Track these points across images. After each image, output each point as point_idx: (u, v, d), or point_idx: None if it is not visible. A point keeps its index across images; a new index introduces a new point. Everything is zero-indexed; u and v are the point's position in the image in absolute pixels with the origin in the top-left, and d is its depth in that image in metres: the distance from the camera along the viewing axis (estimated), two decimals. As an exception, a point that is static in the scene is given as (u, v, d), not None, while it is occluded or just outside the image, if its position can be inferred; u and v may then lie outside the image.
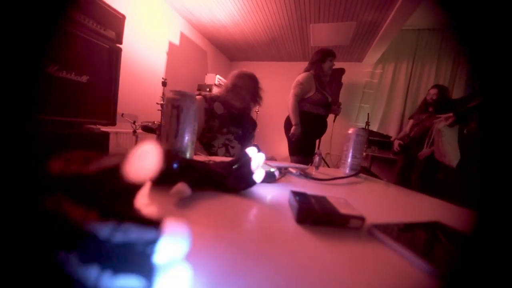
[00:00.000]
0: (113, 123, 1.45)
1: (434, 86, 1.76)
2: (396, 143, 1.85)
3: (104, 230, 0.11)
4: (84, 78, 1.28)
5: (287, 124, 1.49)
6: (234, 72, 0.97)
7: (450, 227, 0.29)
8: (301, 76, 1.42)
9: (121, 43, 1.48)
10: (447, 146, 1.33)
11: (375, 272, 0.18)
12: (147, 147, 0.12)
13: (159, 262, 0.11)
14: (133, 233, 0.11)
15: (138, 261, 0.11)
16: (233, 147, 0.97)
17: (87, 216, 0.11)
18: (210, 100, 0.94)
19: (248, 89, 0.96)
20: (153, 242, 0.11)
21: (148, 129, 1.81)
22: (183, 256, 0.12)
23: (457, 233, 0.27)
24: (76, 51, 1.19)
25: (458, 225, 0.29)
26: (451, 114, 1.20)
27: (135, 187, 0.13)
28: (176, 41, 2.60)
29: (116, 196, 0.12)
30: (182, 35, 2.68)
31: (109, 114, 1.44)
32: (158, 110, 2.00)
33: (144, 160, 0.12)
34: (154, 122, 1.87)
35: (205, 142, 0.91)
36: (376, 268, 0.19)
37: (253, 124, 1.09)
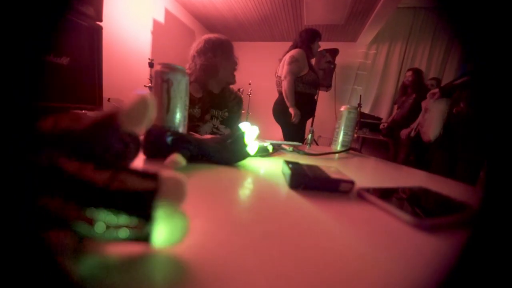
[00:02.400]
0: (99, 107, 1.39)
1: (409, 69, 1.96)
2: (382, 125, 2.08)
3: (100, 179, 0.11)
4: (64, 60, 1.19)
5: (278, 108, 1.40)
6: (200, 43, 0.75)
7: (433, 191, 0.31)
8: (295, 52, 1.30)
9: (101, 20, 1.36)
10: (428, 124, 1.40)
11: (362, 225, 0.20)
12: (139, 98, 0.11)
13: (156, 210, 0.11)
14: (130, 182, 0.11)
15: (136, 208, 0.11)
16: (222, 134, 0.80)
17: (83, 167, 0.11)
18: None
19: (225, 62, 0.76)
20: (150, 191, 0.11)
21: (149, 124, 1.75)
22: (181, 206, 0.12)
23: (439, 195, 0.29)
24: (51, 28, 1.09)
25: (444, 192, 0.31)
26: (437, 90, 1.26)
27: (130, 139, 0.13)
28: (161, 18, 2.42)
29: (110, 149, 0.12)
30: (167, 12, 2.49)
31: (95, 98, 1.37)
32: (147, 93, 1.92)
33: (137, 109, 0.11)
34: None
35: (192, 129, 0.74)
36: (363, 223, 0.20)
37: (238, 102, 0.89)
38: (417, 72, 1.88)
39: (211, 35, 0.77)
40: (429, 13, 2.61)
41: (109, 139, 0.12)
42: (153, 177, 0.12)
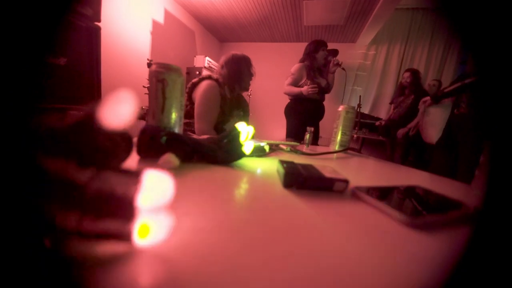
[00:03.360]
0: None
1: (407, 70, 1.99)
2: (378, 122, 2.13)
3: (82, 177, 0.11)
4: (62, 61, 1.19)
5: (286, 110, 1.59)
6: (229, 56, 0.99)
7: (428, 189, 0.30)
8: (293, 67, 1.53)
9: (99, 21, 1.36)
10: (429, 126, 1.45)
11: (356, 224, 0.19)
12: (120, 94, 0.11)
13: (139, 210, 0.11)
14: (113, 181, 0.11)
15: (118, 207, 0.11)
16: None
17: (65, 166, 0.11)
18: (222, 85, 0.95)
19: (246, 73, 0.99)
20: (133, 189, 0.11)
21: (137, 114, 1.75)
22: (165, 204, 0.12)
23: (434, 193, 0.29)
24: (49, 29, 1.09)
25: (439, 191, 0.31)
26: (428, 98, 1.40)
27: (113, 136, 0.12)
28: (161, 19, 2.43)
29: (95, 147, 0.12)
30: (167, 13, 2.49)
31: (93, 99, 1.37)
32: (146, 94, 1.92)
33: (118, 106, 0.11)
34: (142, 107, 1.80)
35: (218, 127, 0.95)
36: (357, 222, 0.20)
37: (247, 104, 1.15)
38: (414, 73, 1.91)
39: (237, 52, 1.02)
40: (427, 14, 2.62)
41: (93, 136, 0.12)
42: (136, 175, 0.12)
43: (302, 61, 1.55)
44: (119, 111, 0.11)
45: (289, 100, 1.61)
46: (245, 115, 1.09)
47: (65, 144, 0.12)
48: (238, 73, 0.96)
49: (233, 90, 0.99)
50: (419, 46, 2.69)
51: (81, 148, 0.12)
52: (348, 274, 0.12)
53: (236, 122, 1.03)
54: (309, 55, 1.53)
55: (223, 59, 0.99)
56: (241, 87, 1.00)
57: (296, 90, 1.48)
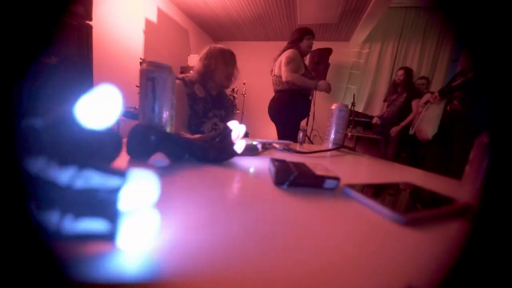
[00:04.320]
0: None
1: (401, 68, 1.99)
2: (374, 120, 2.12)
3: (63, 176, 0.11)
4: (53, 60, 1.16)
5: (274, 107, 1.42)
6: (205, 50, 0.90)
7: (418, 186, 0.31)
8: (290, 52, 1.32)
9: (91, 19, 1.33)
10: (425, 122, 1.47)
11: (346, 221, 0.20)
12: (101, 88, 0.11)
13: (123, 208, 0.11)
14: (95, 180, 0.11)
15: (101, 206, 0.11)
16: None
17: (46, 165, 0.11)
18: (190, 84, 0.88)
19: (222, 68, 0.89)
20: (116, 188, 0.11)
21: (130, 115, 1.73)
22: (151, 203, 0.12)
23: (424, 190, 0.30)
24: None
25: (430, 187, 0.31)
26: (436, 94, 1.40)
27: (99, 135, 0.12)
28: (153, 17, 2.39)
29: (76, 145, 0.12)
30: (160, 11, 2.46)
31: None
32: (139, 93, 1.90)
33: (101, 102, 0.11)
34: (135, 107, 1.78)
35: (193, 129, 0.88)
36: (347, 219, 0.20)
37: (232, 103, 1.04)
38: (408, 72, 1.92)
39: (216, 45, 0.91)
40: (419, 12, 2.65)
41: (74, 135, 0.12)
42: (120, 174, 0.11)
43: (289, 47, 1.38)
44: (103, 107, 0.11)
45: (275, 94, 1.43)
46: (228, 115, 0.97)
47: (46, 143, 0.11)
48: (208, 69, 0.87)
49: (205, 87, 0.90)
50: (411, 43, 2.73)
51: (62, 147, 0.11)
52: (338, 271, 0.12)
53: (214, 124, 0.97)
54: (293, 44, 1.37)
55: (201, 52, 0.91)
56: (216, 84, 0.91)
57: (309, 82, 1.29)
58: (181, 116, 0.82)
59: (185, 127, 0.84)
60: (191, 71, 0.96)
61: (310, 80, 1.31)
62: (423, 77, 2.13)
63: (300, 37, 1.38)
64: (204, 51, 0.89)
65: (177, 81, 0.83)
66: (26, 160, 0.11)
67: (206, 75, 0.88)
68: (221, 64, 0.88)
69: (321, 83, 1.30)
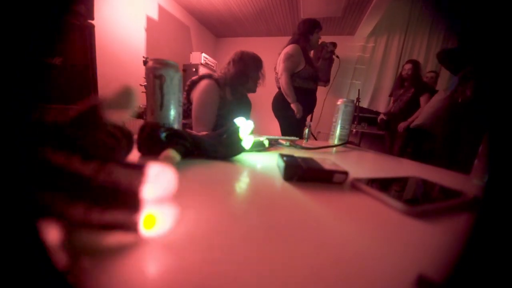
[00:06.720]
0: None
1: (408, 61, 1.89)
2: (380, 117, 2.03)
3: (88, 170, 0.11)
4: (57, 60, 1.17)
5: (277, 104, 1.40)
6: (238, 53, 0.91)
7: (426, 180, 0.31)
8: (290, 48, 1.28)
9: (92, 18, 1.34)
10: (436, 116, 1.42)
11: (356, 214, 0.20)
12: (122, 87, 0.11)
13: (144, 201, 0.11)
14: (117, 173, 0.11)
15: (123, 198, 0.11)
16: None
17: (70, 159, 0.11)
18: (223, 86, 0.86)
19: (253, 75, 0.91)
20: (138, 181, 0.11)
21: (135, 114, 1.74)
22: (169, 196, 0.12)
23: (432, 183, 0.30)
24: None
25: (438, 181, 0.31)
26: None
27: (115, 131, 0.13)
28: (155, 15, 2.39)
29: (98, 141, 0.12)
30: (161, 8, 2.45)
31: (89, 98, 1.36)
32: (143, 92, 1.91)
33: (121, 99, 0.11)
34: (140, 106, 1.79)
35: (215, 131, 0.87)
36: (357, 212, 0.20)
37: (250, 105, 1.07)
38: (416, 65, 1.84)
39: (246, 50, 0.92)
40: (426, 3, 2.57)
41: (95, 131, 0.12)
42: (140, 168, 0.12)
43: (295, 41, 1.33)
44: (120, 105, 0.11)
45: (278, 90, 1.41)
46: (246, 118, 1.03)
47: (69, 138, 0.12)
48: (244, 74, 0.87)
49: (235, 91, 0.91)
50: (418, 36, 2.65)
51: (84, 142, 0.12)
52: (348, 263, 0.13)
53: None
54: (302, 36, 1.32)
55: (231, 55, 0.91)
56: (245, 89, 0.93)
57: (290, 94, 1.29)
58: (211, 117, 0.82)
59: (210, 127, 0.83)
60: (199, 72, 0.97)
61: (293, 93, 1.29)
62: (432, 71, 2.07)
63: (311, 29, 1.33)
64: (235, 56, 0.89)
65: (211, 81, 0.83)
66: (50, 154, 0.11)
67: (240, 80, 0.88)
68: (254, 70, 0.89)
69: (295, 104, 1.29)
